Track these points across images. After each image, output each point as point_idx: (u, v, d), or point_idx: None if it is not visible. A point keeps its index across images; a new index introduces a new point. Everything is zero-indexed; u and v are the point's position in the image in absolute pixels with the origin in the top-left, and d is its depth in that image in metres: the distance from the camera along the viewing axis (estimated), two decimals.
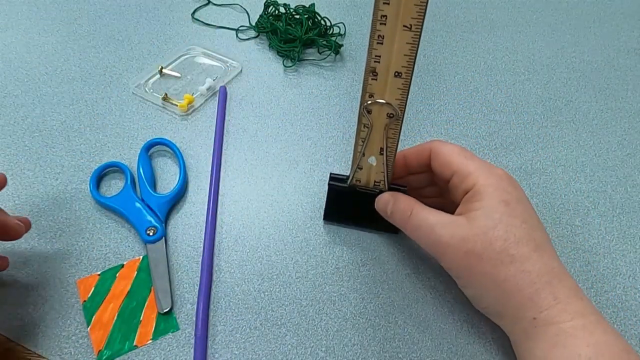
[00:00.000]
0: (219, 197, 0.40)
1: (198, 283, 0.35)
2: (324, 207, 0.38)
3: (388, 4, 0.27)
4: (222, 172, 0.42)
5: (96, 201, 0.39)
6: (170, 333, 0.32)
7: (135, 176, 0.41)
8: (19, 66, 0.51)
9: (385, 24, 0.28)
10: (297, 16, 0.56)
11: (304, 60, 0.54)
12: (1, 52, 0.53)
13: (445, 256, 0.31)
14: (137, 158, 0.42)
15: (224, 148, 0.44)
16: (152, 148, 0.44)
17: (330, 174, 0.37)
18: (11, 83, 0.49)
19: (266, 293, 0.35)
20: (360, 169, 0.34)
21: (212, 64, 0.53)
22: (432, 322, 0.34)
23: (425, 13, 0.27)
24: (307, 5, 0.56)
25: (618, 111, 0.50)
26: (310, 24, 0.55)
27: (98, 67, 0.52)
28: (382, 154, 0.33)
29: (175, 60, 0.53)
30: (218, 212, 0.39)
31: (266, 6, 0.58)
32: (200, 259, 0.36)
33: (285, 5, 0.57)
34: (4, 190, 0.40)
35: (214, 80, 0.50)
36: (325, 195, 0.37)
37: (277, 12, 0.57)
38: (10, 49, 0.54)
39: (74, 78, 0.50)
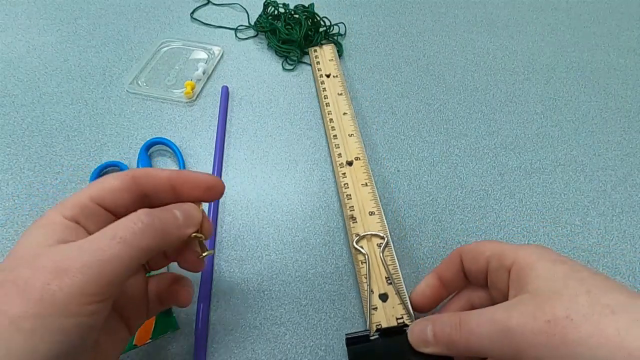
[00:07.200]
0: None
1: (198, 283, 0.35)
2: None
3: (345, 174, 0.40)
4: (222, 172, 0.42)
5: None
6: (170, 332, 0.32)
7: None
8: (19, 66, 0.51)
9: (347, 185, 0.39)
10: (297, 16, 0.56)
11: (304, 60, 0.54)
12: (1, 52, 0.53)
13: (523, 343, 0.23)
14: (137, 158, 0.42)
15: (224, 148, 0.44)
16: (151, 148, 0.44)
17: (346, 336, 0.30)
18: (11, 83, 0.49)
19: (266, 292, 0.35)
20: (375, 309, 0.32)
21: (194, 51, 0.54)
22: None
23: (371, 177, 0.39)
24: (307, 5, 0.56)
25: (618, 111, 0.50)
26: (309, 24, 0.55)
27: (98, 67, 0.52)
28: (390, 284, 0.33)
29: (155, 55, 0.53)
30: (218, 212, 0.39)
31: (265, 6, 0.58)
32: None
33: (284, 5, 0.57)
34: (4, 190, 0.40)
35: (205, 64, 0.52)
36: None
37: (276, 12, 0.57)
38: (10, 49, 0.54)
39: (74, 78, 0.50)
